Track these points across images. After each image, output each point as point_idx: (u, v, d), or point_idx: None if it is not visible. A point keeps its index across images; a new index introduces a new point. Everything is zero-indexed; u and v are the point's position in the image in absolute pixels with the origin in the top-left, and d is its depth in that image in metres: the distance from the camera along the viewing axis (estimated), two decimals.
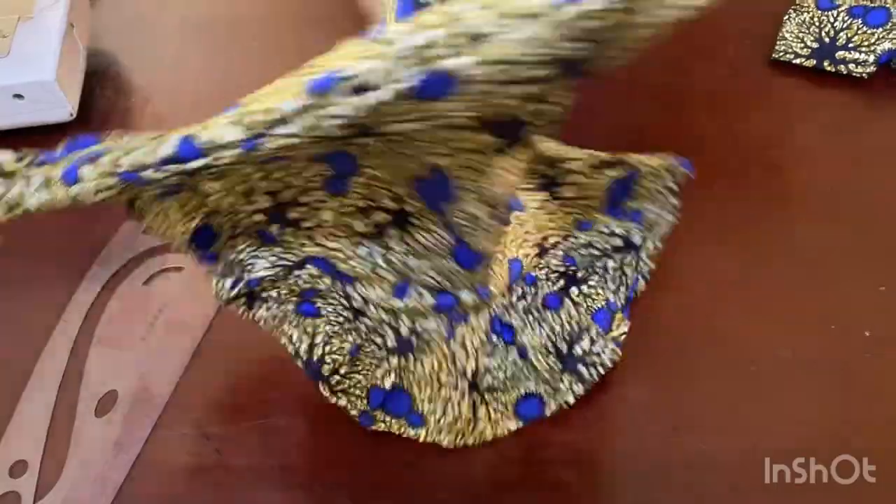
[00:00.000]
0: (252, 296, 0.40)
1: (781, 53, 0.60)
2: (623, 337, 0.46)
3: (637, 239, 0.46)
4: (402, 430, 0.43)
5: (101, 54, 0.69)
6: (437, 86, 0.25)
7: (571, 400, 0.44)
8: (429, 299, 0.39)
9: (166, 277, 0.53)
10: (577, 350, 0.43)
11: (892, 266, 0.49)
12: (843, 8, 0.59)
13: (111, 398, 0.47)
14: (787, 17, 0.61)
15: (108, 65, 0.68)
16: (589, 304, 0.45)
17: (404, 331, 0.41)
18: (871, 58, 0.58)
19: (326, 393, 0.43)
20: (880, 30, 0.57)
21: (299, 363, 0.42)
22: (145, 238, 0.54)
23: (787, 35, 0.60)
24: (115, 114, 0.64)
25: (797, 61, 0.59)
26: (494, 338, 0.42)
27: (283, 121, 0.27)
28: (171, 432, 0.46)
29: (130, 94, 0.66)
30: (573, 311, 0.44)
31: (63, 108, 0.60)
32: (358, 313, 0.41)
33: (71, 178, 0.30)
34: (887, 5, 0.58)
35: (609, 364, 0.44)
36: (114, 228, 0.55)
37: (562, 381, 0.43)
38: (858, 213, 0.52)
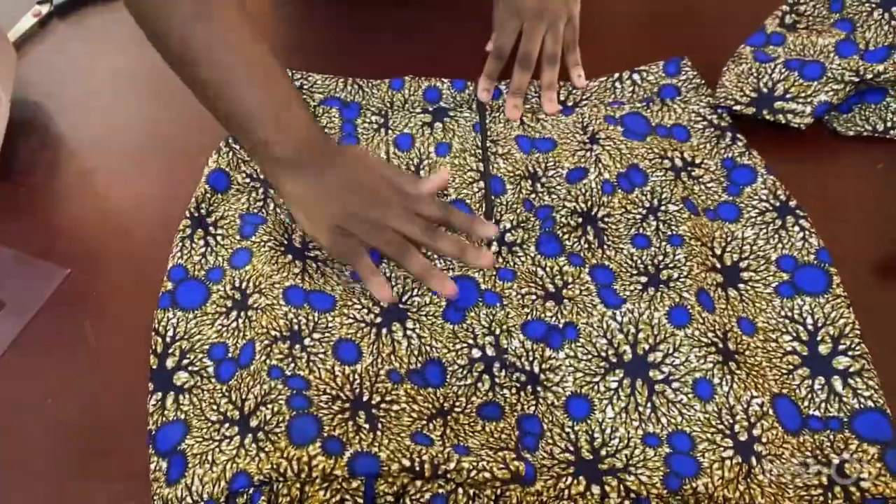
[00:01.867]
0: None
1: (722, 99, 0.60)
2: None
3: None
4: None
5: (26, 105, 0.66)
6: None
7: None
8: None
9: None
10: None
11: None
12: (779, 61, 0.60)
13: None
14: (726, 67, 0.62)
15: (33, 115, 0.65)
16: None
17: None
18: (808, 109, 0.58)
19: None
20: (816, 83, 0.58)
21: None
22: None
23: (726, 83, 0.61)
24: (39, 166, 0.61)
25: (737, 108, 0.60)
26: None
27: None
28: None
29: (56, 146, 0.63)
30: None
31: None
32: None
33: None
34: (821, 60, 0.59)
35: None
36: None
37: None
38: None
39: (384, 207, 0.48)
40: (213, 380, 0.48)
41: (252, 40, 0.47)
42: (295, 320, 0.49)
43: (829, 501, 0.42)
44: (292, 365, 0.47)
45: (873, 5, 0.62)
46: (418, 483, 0.41)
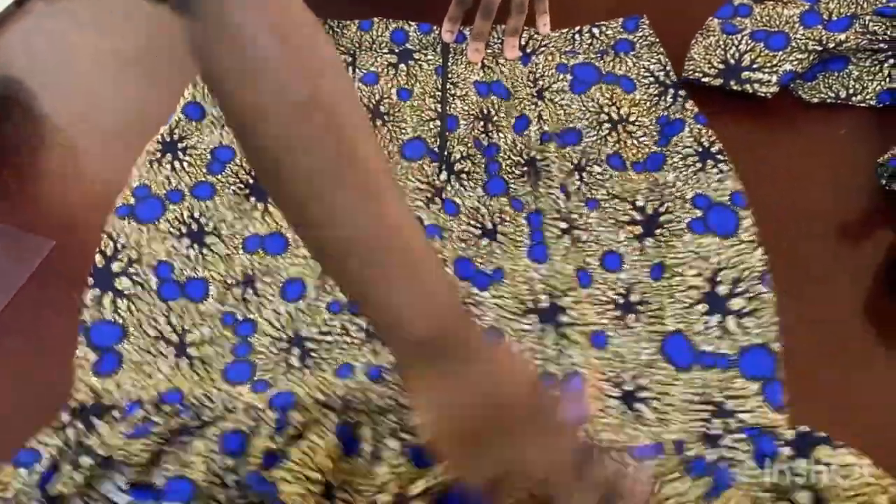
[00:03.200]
0: None
1: (690, 72, 0.62)
2: None
3: None
4: None
5: (10, 81, 0.67)
6: None
7: None
8: None
9: None
10: None
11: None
12: (745, 32, 0.62)
13: None
14: (694, 40, 0.64)
15: (17, 91, 0.66)
16: None
17: None
18: (774, 78, 0.60)
19: None
20: (781, 52, 0.60)
21: None
22: None
23: (695, 56, 0.63)
24: (23, 142, 0.62)
25: (705, 80, 0.62)
26: None
27: None
28: None
29: (40, 123, 0.64)
30: None
31: None
32: None
33: None
34: (786, 31, 0.61)
35: None
36: None
37: None
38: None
39: (535, 451, 0.37)
40: (153, 294, 0.52)
41: (401, 211, 0.37)
42: (250, 266, 0.54)
43: (709, 431, 0.44)
44: (244, 309, 0.52)
45: None
46: (328, 413, 0.45)
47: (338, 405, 0.45)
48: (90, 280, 0.51)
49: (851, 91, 0.61)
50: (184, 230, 0.55)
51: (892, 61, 0.60)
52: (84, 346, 0.49)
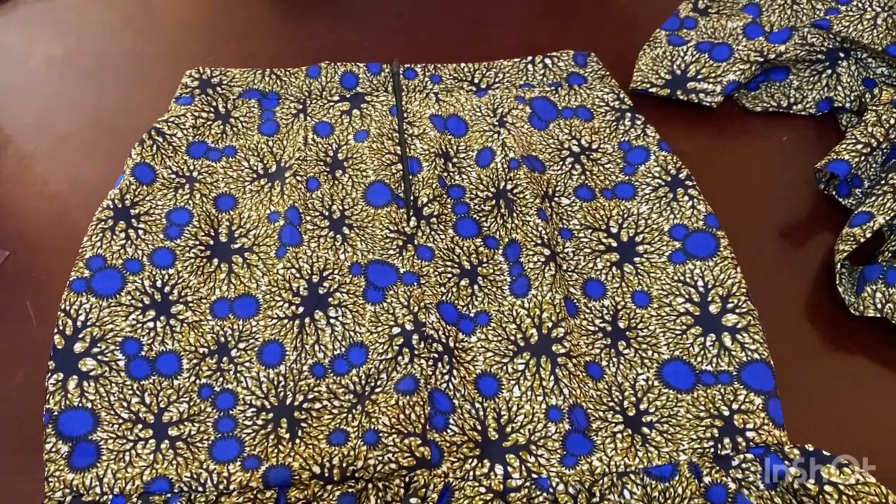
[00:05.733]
0: None
1: (638, 83, 0.64)
2: None
3: None
4: None
5: None
6: None
7: None
8: None
9: None
10: None
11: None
12: (691, 44, 0.64)
13: None
14: (642, 51, 0.66)
15: None
16: None
17: None
18: (718, 88, 0.62)
19: None
20: (725, 63, 0.62)
21: None
22: None
23: (642, 67, 0.65)
24: None
25: (653, 90, 0.64)
26: None
27: None
28: None
29: None
30: None
31: None
32: None
33: None
34: (729, 42, 0.63)
35: None
36: None
37: None
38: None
39: None
40: (122, 374, 0.49)
41: None
42: (221, 332, 0.51)
43: (719, 452, 0.45)
44: (221, 379, 0.49)
45: None
46: (329, 486, 0.44)
47: (336, 476, 0.44)
48: (51, 364, 0.48)
49: (792, 100, 0.63)
50: (147, 301, 0.51)
51: (829, 71, 0.63)
52: (53, 437, 0.46)
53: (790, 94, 0.64)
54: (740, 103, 0.64)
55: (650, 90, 0.64)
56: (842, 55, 0.62)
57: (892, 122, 0.56)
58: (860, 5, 0.64)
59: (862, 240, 0.51)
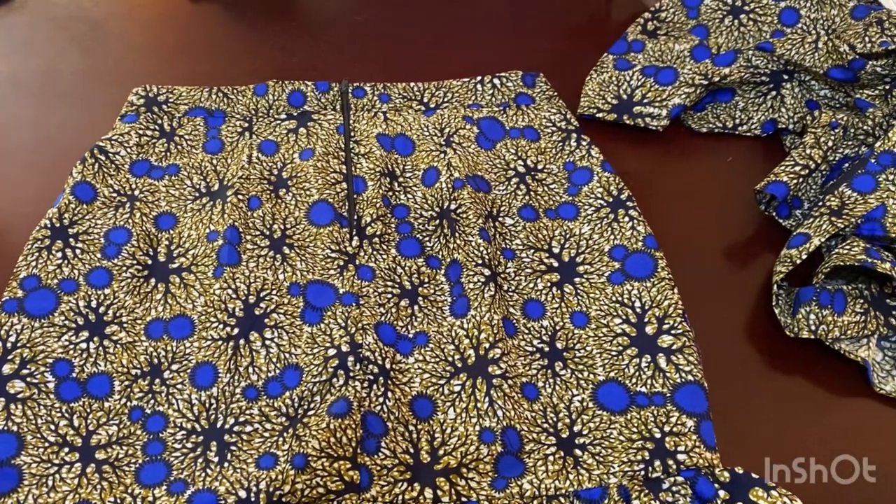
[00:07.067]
0: None
1: (585, 108, 0.65)
2: None
3: None
4: None
5: None
6: None
7: None
8: None
9: None
10: None
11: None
12: (637, 68, 0.64)
13: None
14: (589, 77, 0.66)
15: None
16: None
17: None
18: (664, 112, 0.62)
19: None
20: (670, 87, 0.63)
21: None
22: None
23: (589, 93, 0.65)
24: None
25: (599, 115, 0.64)
26: None
27: None
28: None
29: None
30: None
31: None
32: None
33: None
34: (675, 66, 0.64)
35: None
36: None
37: None
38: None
39: None
40: (51, 396, 0.48)
41: None
42: (155, 354, 0.51)
43: (650, 475, 0.45)
44: (152, 401, 0.49)
45: (724, 12, 0.67)
46: None
47: (263, 501, 0.43)
48: None
49: (738, 121, 0.64)
50: (80, 321, 0.51)
51: (774, 93, 0.63)
52: None
53: (736, 116, 0.64)
54: (686, 124, 0.65)
55: (597, 115, 0.64)
56: (786, 77, 0.63)
57: (829, 144, 0.56)
58: (804, 27, 0.65)
59: (798, 261, 0.50)
